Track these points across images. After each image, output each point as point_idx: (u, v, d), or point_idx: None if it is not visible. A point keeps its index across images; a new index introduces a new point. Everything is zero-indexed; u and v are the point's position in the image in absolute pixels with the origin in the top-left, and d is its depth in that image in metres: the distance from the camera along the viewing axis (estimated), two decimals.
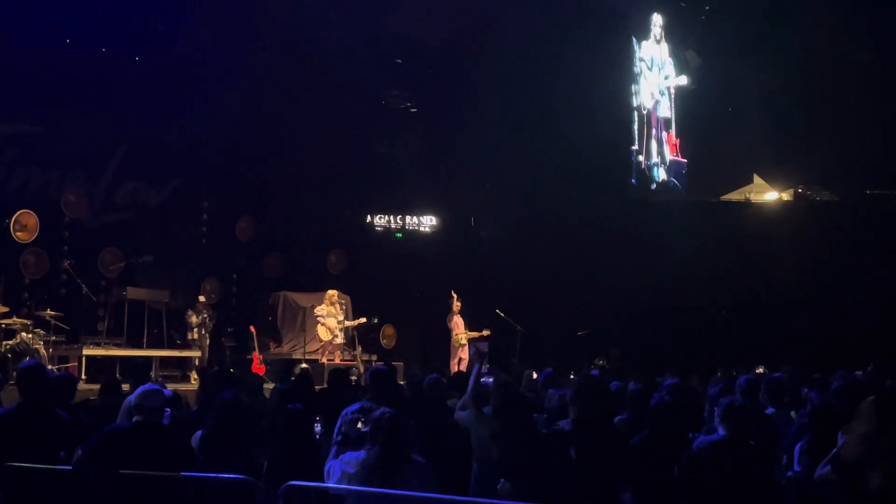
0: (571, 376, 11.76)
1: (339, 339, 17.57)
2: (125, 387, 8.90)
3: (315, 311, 17.66)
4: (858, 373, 11.94)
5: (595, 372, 9.57)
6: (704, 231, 21.75)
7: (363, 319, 18.12)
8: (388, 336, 20.73)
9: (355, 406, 6.53)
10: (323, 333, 17.44)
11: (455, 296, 18.26)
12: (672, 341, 19.48)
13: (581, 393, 6.22)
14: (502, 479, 5.86)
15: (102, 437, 5.85)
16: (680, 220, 22.40)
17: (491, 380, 8.64)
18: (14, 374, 9.90)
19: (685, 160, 25.83)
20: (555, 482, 5.70)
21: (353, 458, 5.52)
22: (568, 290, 20.76)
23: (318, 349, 17.91)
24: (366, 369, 14.69)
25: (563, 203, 21.58)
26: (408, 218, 22.45)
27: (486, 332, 18.16)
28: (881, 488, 4.96)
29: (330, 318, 17.45)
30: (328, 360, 17.17)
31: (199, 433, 6.63)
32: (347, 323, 17.89)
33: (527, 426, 6.09)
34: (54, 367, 14.12)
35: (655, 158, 25.38)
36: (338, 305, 17.74)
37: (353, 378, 11.27)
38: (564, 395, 6.85)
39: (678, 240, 21.01)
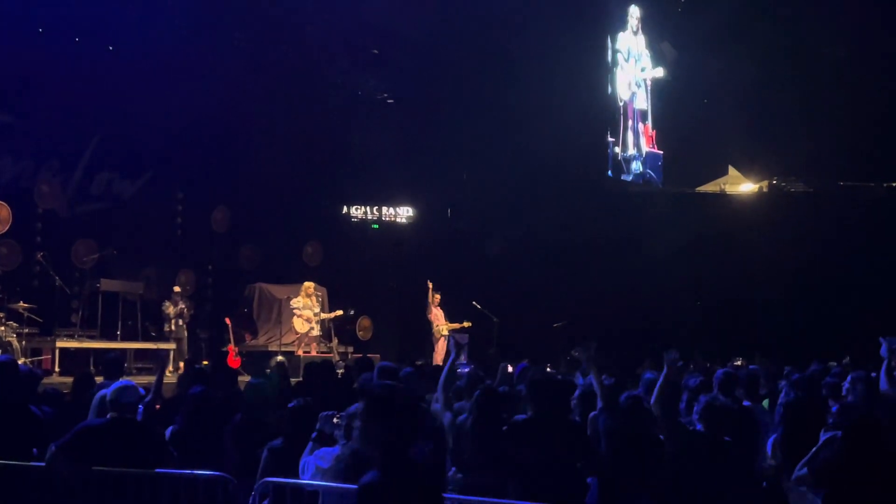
0: (548, 369, 11.81)
1: (316, 332, 17.54)
2: (98, 379, 8.84)
3: (291, 303, 17.62)
4: (833, 364, 12.04)
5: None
6: (680, 222, 21.85)
7: (339, 312, 18.10)
8: (364, 328, 20.71)
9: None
10: (299, 326, 17.41)
11: (431, 286, 18.25)
12: (648, 333, 19.56)
13: (536, 389, 6.25)
14: (453, 468, 5.89)
15: (76, 434, 5.81)
16: (656, 212, 22.55)
17: (466, 370, 8.64)
18: None
19: (661, 152, 25.96)
20: (509, 478, 5.74)
21: (327, 454, 5.51)
22: (544, 282, 20.82)
23: (294, 341, 17.86)
24: (345, 363, 14.71)
25: (539, 195, 21.63)
26: (384, 209, 22.42)
27: (466, 324, 18.17)
28: None
29: (306, 310, 17.43)
30: (304, 352, 17.13)
31: (170, 428, 6.60)
32: (324, 315, 17.86)
33: (491, 423, 6.09)
34: (27, 360, 13.99)
35: (632, 150, 25.48)
36: (314, 297, 17.71)
37: (340, 372, 11.22)
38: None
39: (654, 231, 21.13)
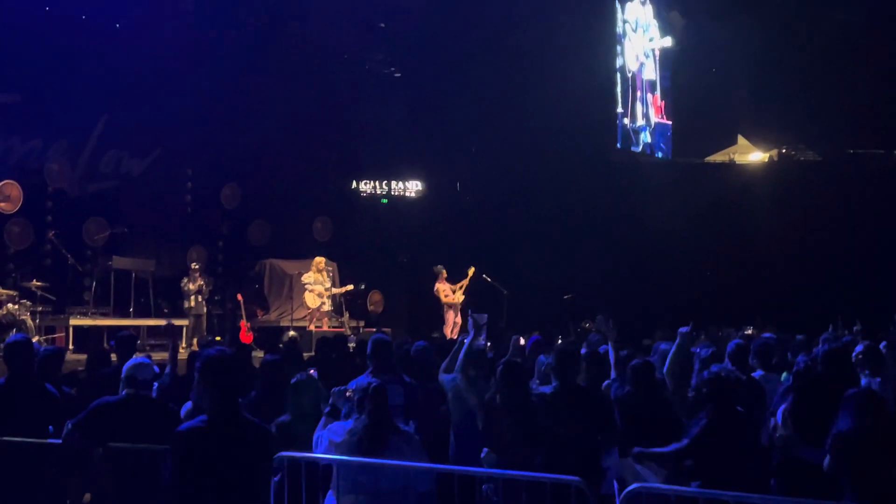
0: (559, 341, 11.82)
1: (327, 307, 17.58)
2: (113, 357, 8.88)
3: (302, 278, 17.63)
4: (843, 332, 12.03)
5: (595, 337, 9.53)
6: (689, 193, 21.80)
7: (350, 286, 18.12)
8: (375, 302, 20.75)
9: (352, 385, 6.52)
10: (311, 301, 17.44)
11: (438, 268, 18.27)
12: (658, 303, 19.57)
13: (563, 361, 6.24)
14: (486, 449, 5.89)
15: (91, 411, 5.84)
16: (665, 182, 22.47)
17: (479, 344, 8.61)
18: (1, 346, 9.85)
19: (670, 122, 25.84)
20: (539, 450, 5.75)
21: (340, 428, 5.53)
22: (554, 254, 20.80)
23: (305, 316, 17.91)
24: (357, 337, 14.74)
25: (548, 167, 21.56)
26: (393, 183, 22.39)
27: (470, 272, 18.06)
28: None
29: (317, 286, 17.45)
30: (316, 327, 17.18)
31: (186, 405, 6.63)
32: (335, 290, 17.89)
33: (523, 396, 6.10)
34: (41, 338, 14.07)
35: (641, 121, 25.35)
36: (325, 272, 17.73)
37: (352, 346, 11.25)
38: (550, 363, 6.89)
39: (663, 202, 21.07)
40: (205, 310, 17.54)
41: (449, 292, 18.12)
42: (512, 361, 6.40)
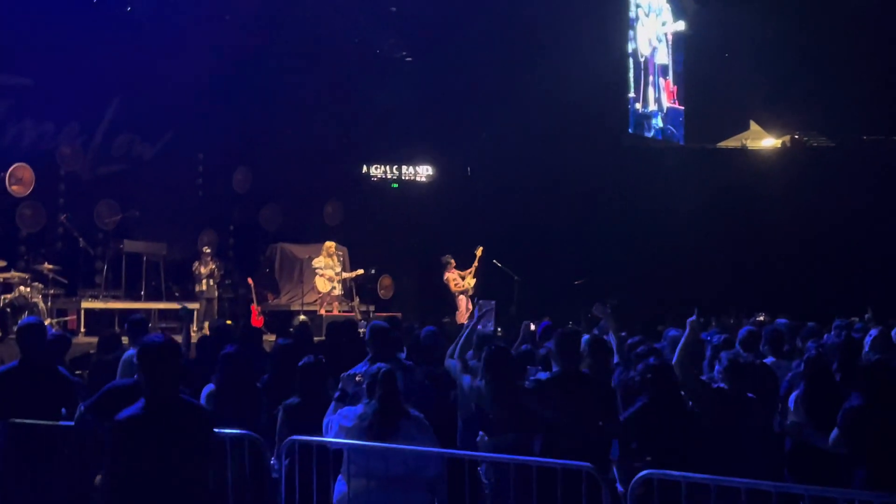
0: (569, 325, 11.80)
1: (338, 291, 17.60)
2: (124, 340, 8.92)
3: (313, 262, 17.64)
4: (855, 319, 12.00)
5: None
6: (701, 178, 21.74)
7: (360, 271, 18.14)
8: (385, 287, 20.75)
9: (358, 368, 6.52)
10: (321, 285, 17.46)
11: (446, 258, 18.28)
12: (669, 289, 19.53)
13: (562, 346, 6.24)
14: (481, 432, 5.90)
15: (104, 393, 5.86)
16: (677, 167, 22.41)
17: (488, 330, 8.62)
18: (13, 329, 9.91)
19: (682, 107, 25.72)
20: (535, 435, 5.75)
21: (350, 413, 5.54)
22: (565, 239, 20.79)
23: (315, 300, 17.95)
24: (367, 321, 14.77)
25: (560, 151, 21.50)
26: (404, 168, 22.38)
27: (478, 251, 18.05)
28: None
29: (328, 270, 17.46)
30: (326, 311, 17.21)
31: (208, 388, 6.66)
32: (345, 274, 17.90)
33: (507, 381, 6.08)
34: (53, 321, 14.13)
35: (653, 106, 25.25)
36: (335, 257, 17.74)
37: (362, 331, 11.28)
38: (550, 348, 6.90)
39: (675, 187, 21.02)
40: (216, 293, 17.59)
41: (459, 280, 18.12)
42: (497, 348, 6.35)
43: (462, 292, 18.09)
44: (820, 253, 21.29)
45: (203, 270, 17.32)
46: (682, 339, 6.29)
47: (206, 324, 16.49)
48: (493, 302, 17.23)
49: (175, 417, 4.48)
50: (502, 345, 6.66)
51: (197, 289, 17.34)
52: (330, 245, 17.74)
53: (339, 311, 17.45)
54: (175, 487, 4.41)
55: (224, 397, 6.31)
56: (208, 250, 17.67)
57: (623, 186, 21.74)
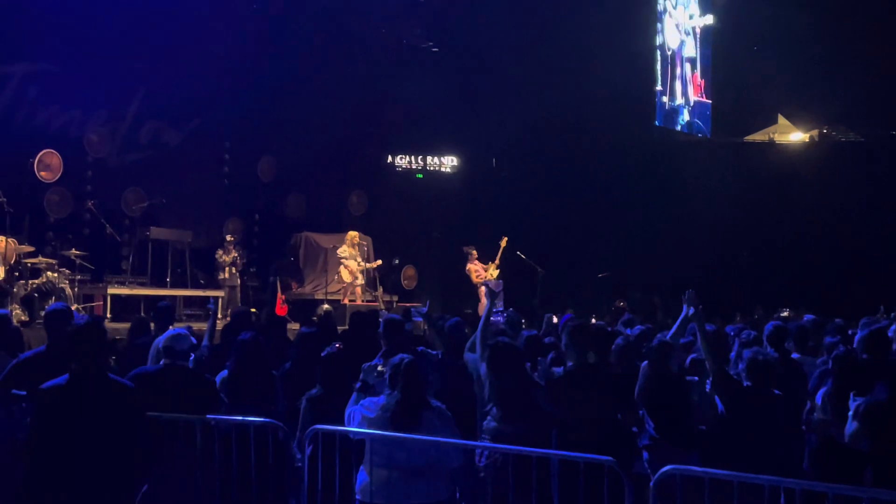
0: (593, 320, 11.78)
1: (361, 281, 17.64)
2: (152, 326, 8.98)
3: (338, 252, 17.67)
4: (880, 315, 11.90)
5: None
6: (729, 172, 21.59)
7: (378, 262, 18.11)
8: (408, 277, 20.79)
9: (374, 362, 6.53)
10: (345, 275, 17.49)
11: (468, 249, 18.24)
12: (694, 283, 19.41)
13: (576, 337, 6.20)
14: (488, 417, 5.89)
15: (131, 379, 5.90)
16: (704, 162, 22.26)
17: (502, 319, 8.59)
18: (41, 313, 10.00)
19: (710, 101, 25.55)
20: (544, 426, 5.73)
21: (372, 404, 5.55)
22: (590, 232, 20.71)
23: (339, 290, 18.00)
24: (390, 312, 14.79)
25: (585, 144, 21.43)
26: (429, 158, 22.36)
27: (503, 242, 17.97)
28: None
29: (351, 260, 17.50)
30: (350, 300, 17.26)
31: (221, 374, 6.70)
32: (367, 265, 17.91)
33: (513, 378, 6.02)
34: (80, 307, 14.24)
35: (680, 99, 25.10)
36: (359, 247, 17.78)
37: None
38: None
39: (702, 181, 20.88)
40: (238, 281, 17.71)
41: (481, 271, 18.08)
42: (500, 344, 6.22)
43: (482, 284, 18.07)
44: (847, 248, 21.11)
45: (226, 259, 17.44)
46: (699, 336, 6.28)
47: (230, 311, 16.62)
48: (501, 282, 17.21)
49: (95, 391, 4.92)
50: (506, 339, 6.61)
51: (220, 276, 17.45)
52: (353, 235, 17.78)
53: (363, 301, 17.48)
54: (89, 456, 4.81)
55: (237, 383, 6.34)
56: (231, 238, 17.78)
57: (650, 180, 21.62)
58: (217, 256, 17.55)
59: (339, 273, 17.68)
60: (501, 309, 13.83)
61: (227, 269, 17.44)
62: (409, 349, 6.86)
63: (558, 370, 6.53)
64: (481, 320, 7.02)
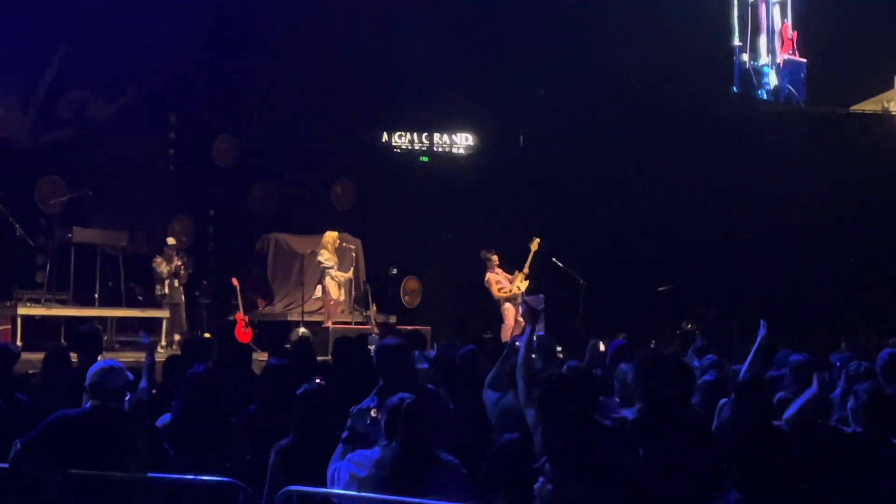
0: (651, 346, 11.78)
1: (342, 296, 17.64)
2: (73, 357, 9.02)
3: (319, 258, 17.59)
4: None
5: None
6: (829, 151, 21.52)
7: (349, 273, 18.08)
8: (410, 292, 20.81)
9: (367, 402, 6.53)
10: (334, 290, 17.40)
11: (487, 254, 18.24)
12: (785, 298, 19.38)
13: (649, 373, 6.20)
14: (541, 479, 5.89)
15: (47, 427, 5.93)
16: (796, 137, 22.17)
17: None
18: None
19: (804, 60, 25.48)
20: (615, 486, 5.73)
21: (364, 458, 5.55)
22: (646, 233, 20.67)
23: (320, 309, 18.05)
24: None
25: (640, 118, 21.37)
26: (436, 136, 22.38)
27: (533, 245, 17.95)
28: None
29: (337, 270, 17.47)
30: (333, 323, 17.27)
31: (164, 419, 6.72)
32: (343, 275, 17.76)
33: (572, 416, 6.02)
34: None
35: (765, 58, 25.05)
36: (343, 252, 17.78)
37: (372, 347, 11.34)
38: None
39: (794, 163, 20.82)
40: (183, 298, 17.74)
41: (504, 283, 18.05)
42: (557, 378, 6.13)
43: (509, 300, 18.01)
44: None
45: (164, 269, 17.43)
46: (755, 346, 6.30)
47: (176, 337, 16.66)
48: (542, 297, 17.18)
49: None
50: (561, 373, 6.60)
51: (158, 291, 17.47)
52: (331, 237, 17.71)
53: (354, 323, 17.56)
54: None
55: (183, 431, 6.35)
56: (173, 242, 17.78)
57: (725, 161, 21.56)
58: (154, 265, 17.55)
59: (322, 286, 17.63)
60: (542, 332, 13.79)
61: (166, 282, 17.45)
62: (412, 386, 6.87)
63: (626, 413, 6.54)
64: (521, 351, 6.97)
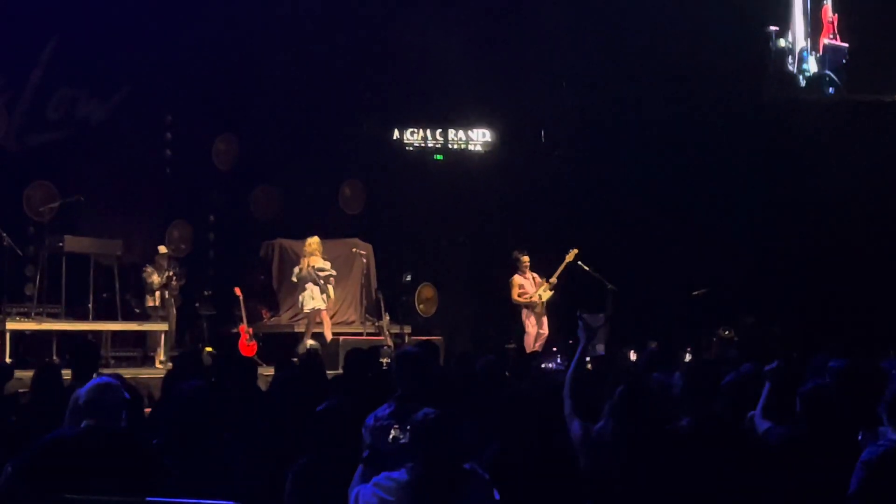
0: (688, 357, 11.77)
1: (323, 303, 17.69)
2: (66, 374, 9.04)
3: (320, 265, 17.66)
4: None
5: None
6: (874, 144, 21.41)
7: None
8: (425, 300, 20.80)
9: (384, 409, 6.54)
10: (308, 301, 17.58)
11: (518, 254, 18.23)
12: (827, 304, 19.30)
13: (695, 386, 6.21)
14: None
15: (40, 449, 5.95)
16: (839, 129, 22.08)
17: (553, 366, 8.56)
18: None
19: (846, 45, 25.39)
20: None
21: (388, 482, 5.49)
22: (679, 234, 20.61)
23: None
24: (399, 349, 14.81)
25: (670, 111, 21.33)
26: (451, 133, 22.37)
27: (569, 255, 17.92)
28: None
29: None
30: (344, 335, 17.33)
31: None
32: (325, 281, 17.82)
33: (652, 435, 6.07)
34: None
35: (803, 42, 24.98)
36: (358, 258, 17.81)
37: (385, 361, 11.36)
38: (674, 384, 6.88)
39: (836, 156, 20.73)
40: (174, 310, 17.78)
41: (528, 289, 18.05)
42: (637, 384, 6.36)
43: (527, 306, 18.02)
44: None
45: (155, 279, 17.49)
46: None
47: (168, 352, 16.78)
48: (602, 316, 17.09)
49: None
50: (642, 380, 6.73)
51: (149, 303, 17.52)
52: (312, 242, 17.79)
53: (365, 335, 17.58)
54: None
55: (180, 452, 6.36)
56: (164, 251, 17.84)
57: (761, 157, 21.50)
58: (145, 276, 17.61)
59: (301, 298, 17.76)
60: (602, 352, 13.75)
61: (157, 293, 17.51)
62: (435, 398, 6.88)
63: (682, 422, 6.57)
64: (572, 366, 7.01)
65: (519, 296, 18.01)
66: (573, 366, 6.91)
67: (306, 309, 17.62)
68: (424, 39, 19.44)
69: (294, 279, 17.73)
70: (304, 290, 17.58)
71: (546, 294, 17.95)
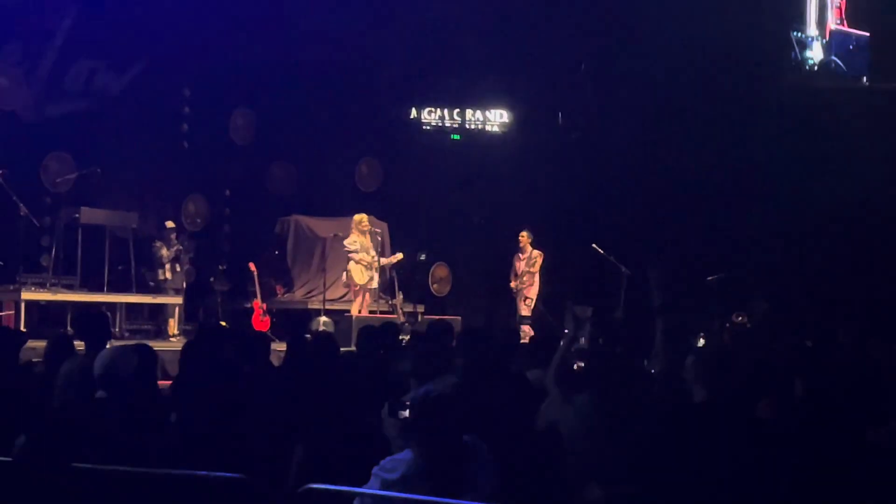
0: (701, 342, 11.73)
1: (375, 283, 17.66)
2: (78, 345, 9.04)
3: (345, 243, 17.58)
4: None
5: None
6: (893, 132, 21.31)
7: (399, 255, 18.17)
8: (439, 279, 20.80)
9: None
10: (358, 275, 17.39)
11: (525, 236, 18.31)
12: (845, 290, 19.23)
13: (707, 367, 6.21)
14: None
15: (52, 420, 5.95)
16: (858, 117, 21.97)
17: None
18: None
19: (855, 31, 25.20)
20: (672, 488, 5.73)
21: (395, 462, 5.48)
22: (694, 218, 20.56)
23: (343, 296, 18.07)
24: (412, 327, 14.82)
25: (688, 93, 21.24)
26: (468, 113, 22.33)
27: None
28: None
29: (364, 254, 17.45)
30: (359, 311, 17.29)
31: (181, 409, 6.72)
32: (383, 260, 17.91)
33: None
34: None
35: (814, 30, 24.81)
36: (369, 235, 17.79)
37: (405, 338, 11.33)
38: None
39: (855, 145, 20.64)
40: (184, 284, 17.85)
41: (519, 267, 18.30)
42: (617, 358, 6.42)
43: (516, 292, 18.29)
44: None
45: (165, 252, 17.57)
46: None
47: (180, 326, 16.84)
48: (591, 309, 17.06)
49: None
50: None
51: (160, 276, 17.59)
52: (361, 219, 17.75)
53: (378, 312, 17.56)
54: None
55: (195, 423, 6.35)
56: (172, 225, 17.90)
57: (779, 142, 21.40)
58: (154, 249, 17.67)
59: (347, 272, 17.63)
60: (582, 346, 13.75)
61: (167, 266, 17.57)
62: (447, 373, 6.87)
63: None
64: (556, 356, 7.03)
65: (514, 280, 18.25)
66: (557, 355, 6.94)
67: (358, 282, 17.56)
68: (442, 19, 19.38)
69: (349, 249, 17.56)
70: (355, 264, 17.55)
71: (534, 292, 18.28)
